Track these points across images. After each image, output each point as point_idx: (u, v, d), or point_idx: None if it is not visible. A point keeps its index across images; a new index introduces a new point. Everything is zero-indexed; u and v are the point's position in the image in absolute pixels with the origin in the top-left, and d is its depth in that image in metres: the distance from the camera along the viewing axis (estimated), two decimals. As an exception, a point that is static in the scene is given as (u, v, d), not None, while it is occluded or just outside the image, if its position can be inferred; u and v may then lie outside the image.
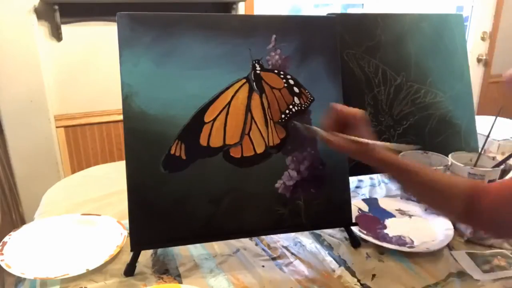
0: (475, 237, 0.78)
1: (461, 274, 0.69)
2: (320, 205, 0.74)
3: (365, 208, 0.90)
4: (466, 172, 0.88)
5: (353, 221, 0.78)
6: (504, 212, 0.60)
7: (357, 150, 0.64)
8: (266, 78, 0.72)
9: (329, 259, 0.74)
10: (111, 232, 0.79)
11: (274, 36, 0.72)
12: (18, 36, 1.63)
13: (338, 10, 2.29)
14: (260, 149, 0.72)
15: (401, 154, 0.92)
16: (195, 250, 0.76)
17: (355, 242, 0.77)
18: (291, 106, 0.73)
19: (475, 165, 0.93)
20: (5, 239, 0.75)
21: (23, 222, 1.85)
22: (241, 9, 2.00)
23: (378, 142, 0.63)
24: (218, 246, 0.77)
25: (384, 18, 0.97)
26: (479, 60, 2.64)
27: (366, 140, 0.63)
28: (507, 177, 0.96)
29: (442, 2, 2.43)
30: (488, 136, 0.92)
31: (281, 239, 0.80)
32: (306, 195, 0.74)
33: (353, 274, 0.70)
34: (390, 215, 0.88)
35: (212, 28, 0.70)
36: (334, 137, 0.65)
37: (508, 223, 0.60)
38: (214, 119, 0.69)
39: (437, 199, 0.67)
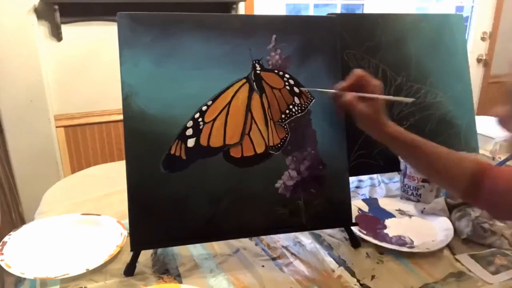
0: (473, 235, 0.77)
1: (461, 274, 0.69)
2: (320, 205, 0.74)
3: (365, 208, 0.90)
4: (466, 172, 0.88)
5: (353, 221, 0.78)
6: (501, 195, 0.61)
7: (367, 114, 0.64)
8: (266, 78, 0.72)
9: (328, 259, 0.74)
10: (111, 232, 0.79)
11: (274, 36, 0.72)
12: (18, 36, 1.63)
13: (338, 10, 2.29)
14: (260, 149, 0.72)
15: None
16: (195, 250, 0.76)
17: (355, 242, 0.77)
18: (291, 106, 0.73)
19: (475, 165, 0.93)
20: (5, 239, 0.75)
21: (23, 222, 1.85)
22: (241, 9, 2.00)
23: (383, 96, 0.65)
24: (218, 246, 0.77)
25: (384, 18, 0.97)
26: (479, 60, 2.64)
27: (374, 95, 0.64)
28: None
29: (442, 2, 2.43)
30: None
31: (281, 239, 0.80)
32: (306, 195, 0.74)
33: (352, 274, 0.70)
34: (390, 215, 0.88)
35: (212, 28, 0.70)
36: (347, 94, 0.65)
37: (505, 206, 0.61)
38: (214, 119, 0.69)
39: (442, 175, 0.68)
